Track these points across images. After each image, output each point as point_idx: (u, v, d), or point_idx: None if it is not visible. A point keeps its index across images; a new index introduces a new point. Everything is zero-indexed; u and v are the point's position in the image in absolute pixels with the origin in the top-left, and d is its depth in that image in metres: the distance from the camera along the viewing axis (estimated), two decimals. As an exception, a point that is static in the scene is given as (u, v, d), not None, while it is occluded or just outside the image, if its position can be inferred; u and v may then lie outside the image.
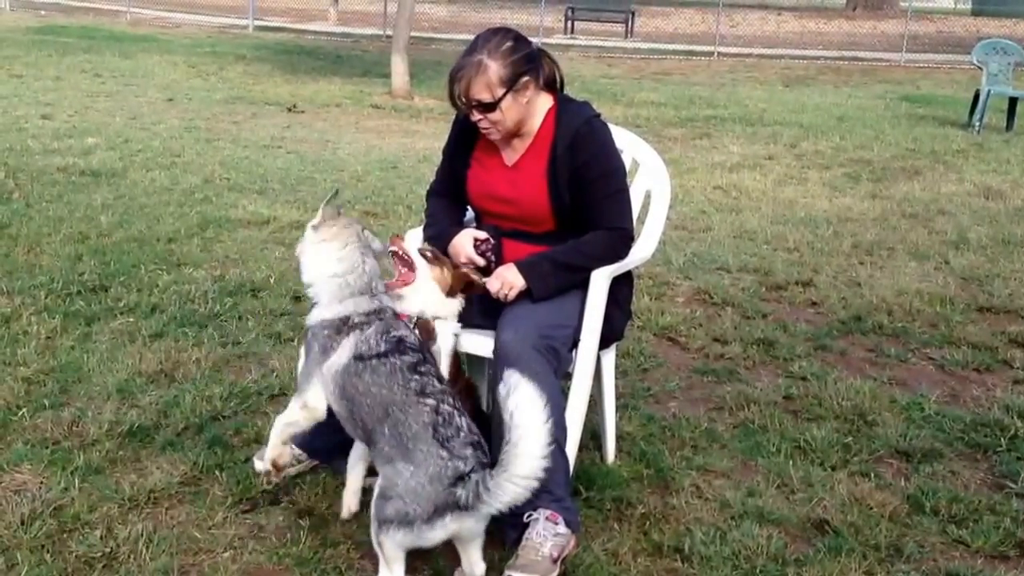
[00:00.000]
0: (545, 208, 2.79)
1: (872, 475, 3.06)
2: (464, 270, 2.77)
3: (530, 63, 2.70)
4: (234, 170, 7.16)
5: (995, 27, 22.69)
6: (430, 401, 2.26)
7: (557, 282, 2.73)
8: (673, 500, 2.86)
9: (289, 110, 10.54)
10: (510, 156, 2.85)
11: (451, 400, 2.30)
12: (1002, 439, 3.33)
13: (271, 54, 16.01)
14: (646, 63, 18.28)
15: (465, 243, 2.83)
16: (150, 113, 9.66)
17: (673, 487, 2.95)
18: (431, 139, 9.14)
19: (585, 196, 2.75)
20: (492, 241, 2.83)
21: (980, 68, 11.29)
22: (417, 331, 2.58)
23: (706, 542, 2.63)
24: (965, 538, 2.73)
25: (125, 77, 12.31)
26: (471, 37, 2.76)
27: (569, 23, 22.45)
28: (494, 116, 2.69)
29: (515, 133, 2.79)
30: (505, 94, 2.65)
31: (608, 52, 19.60)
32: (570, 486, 2.68)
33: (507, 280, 2.70)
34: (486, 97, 2.65)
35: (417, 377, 2.30)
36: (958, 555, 2.67)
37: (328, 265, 2.47)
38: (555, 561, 2.47)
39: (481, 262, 2.81)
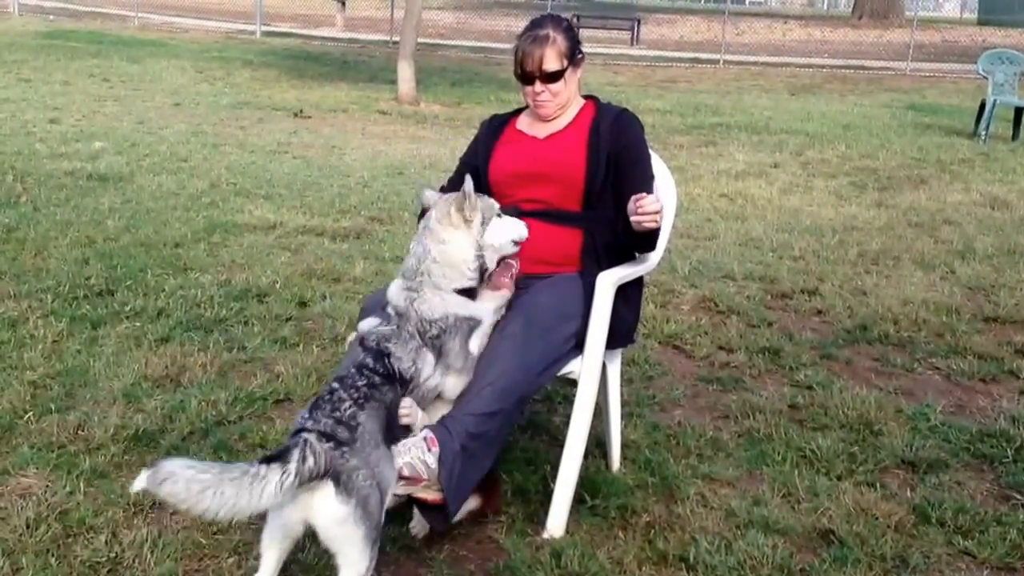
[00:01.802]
0: (580, 172, 2.87)
1: (878, 485, 3.05)
2: None
3: (579, 43, 2.97)
4: (241, 175, 7.18)
5: (1000, 37, 22.71)
6: (335, 384, 2.33)
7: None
8: (678, 509, 2.86)
9: (296, 115, 10.56)
10: (545, 134, 2.98)
11: (356, 393, 2.29)
12: (1008, 450, 3.32)
13: (278, 60, 16.06)
14: (652, 71, 18.30)
15: None
16: (157, 118, 9.69)
17: (678, 496, 2.94)
18: (437, 145, 9.16)
19: (625, 178, 2.86)
20: None
21: (986, 78, 11.29)
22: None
23: (711, 551, 2.63)
24: (971, 549, 2.71)
25: (133, 82, 12.36)
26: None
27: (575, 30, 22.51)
28: (557, 86, 2.89)
29: (559, 113, 2.96)
30: (569, 64, 2.89)
31: (614, 60, 19.62)
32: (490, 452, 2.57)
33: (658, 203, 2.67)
34: (556, 66, 2.87)
35: (348, 366, 2.41)
36: (964, 566, 2.66)
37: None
38: (401, 478, 2.36)
39: None
